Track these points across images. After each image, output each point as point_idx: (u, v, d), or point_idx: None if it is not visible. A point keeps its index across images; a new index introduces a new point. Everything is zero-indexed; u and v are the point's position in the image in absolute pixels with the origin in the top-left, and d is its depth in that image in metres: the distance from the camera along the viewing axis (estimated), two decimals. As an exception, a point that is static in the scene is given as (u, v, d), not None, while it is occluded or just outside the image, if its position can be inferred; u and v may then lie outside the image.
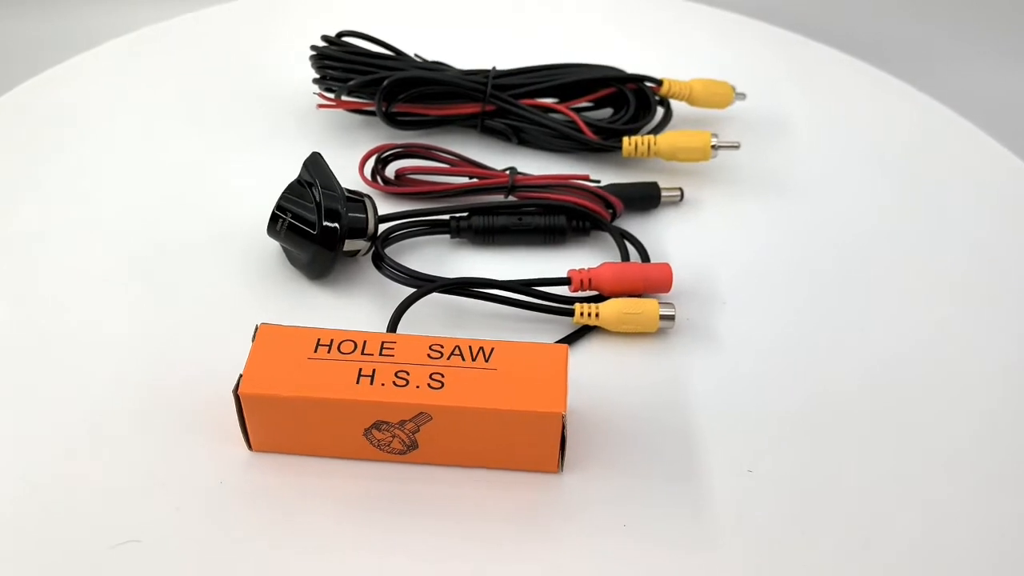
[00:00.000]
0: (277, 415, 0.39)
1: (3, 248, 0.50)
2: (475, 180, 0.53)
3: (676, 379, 0.45)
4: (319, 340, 0.40)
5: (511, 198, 0.53)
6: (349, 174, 0.53)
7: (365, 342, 0.40)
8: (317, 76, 0.57)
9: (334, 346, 0.40)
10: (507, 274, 0.48)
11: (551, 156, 0.57)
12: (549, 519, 0.40)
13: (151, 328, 0.46)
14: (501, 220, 0.51)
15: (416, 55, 0.58)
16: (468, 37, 0.65)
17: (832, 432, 0.43)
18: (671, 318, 0.46)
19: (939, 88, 0.65)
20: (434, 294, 0.47)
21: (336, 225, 0.46)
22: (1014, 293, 0.50)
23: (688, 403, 0.44)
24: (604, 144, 0.56)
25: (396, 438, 0.40)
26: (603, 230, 0.52)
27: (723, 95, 0.59)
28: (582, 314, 0.46)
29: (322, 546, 0.38)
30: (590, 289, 0.48)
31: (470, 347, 0.40)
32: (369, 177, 0.54)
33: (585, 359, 0.46)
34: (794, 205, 0.55)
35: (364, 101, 0.57)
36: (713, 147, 0.55)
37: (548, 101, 0.58)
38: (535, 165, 0.56)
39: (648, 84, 0.58)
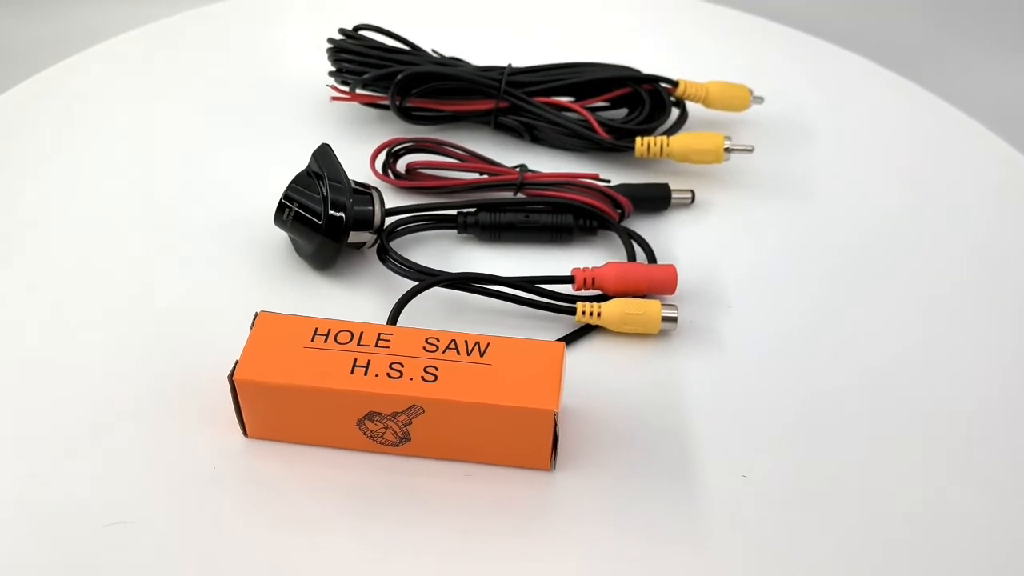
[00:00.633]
0: (271, 402, 0.40)
1: (5, 245, 0.50)
2: (485, 176, 0.53)
3: (675, 381, 0.45)
4: (316, 329, 0.40)
5: (520, 195, 0.53)
6: (360, 167, 0.53)
7: (362, 333, 0.40)
8: (333, 69, 0.57)
9: (331, 336, 0.40)
10: (512, 271, 0.48)
11: (564, 155, 0.57)
12: (539, 516, 0.40)
13: (157, 315, 0.47)
14: (508, 217, 0.50)
15: (433, 51, 0.58)
16: (486, 36, 0.65)
17: (830, 438, 0.43)
18: (673, 320, 0.46)
19: (957, 93, 0.64)
20: (437, 288, 0.47)
21: (341, 216, 0.46)
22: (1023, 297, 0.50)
23: (686, 405, 0.43)
24: (617, 144, 0.56)
25: (389, 429, 0.40)
26: (611, 230, 0.51)
27: (740, 98, 0.58)
28: (584, 313, 0.46)
29: (313, 533, 0.38)
30: (593, 288, 0.47)
31: (466, 341, 0.40)
32: (380, 171, 0.54)
33: (585, 358, 0.45)
34: (806, 211, 0.54)
35: (378, 95, 0.57)
36: (726, 150, 0.54)
37: (563, 100, 0.57)
38: (547, 163, 0.56)
39: (664, 85, 0.57)
